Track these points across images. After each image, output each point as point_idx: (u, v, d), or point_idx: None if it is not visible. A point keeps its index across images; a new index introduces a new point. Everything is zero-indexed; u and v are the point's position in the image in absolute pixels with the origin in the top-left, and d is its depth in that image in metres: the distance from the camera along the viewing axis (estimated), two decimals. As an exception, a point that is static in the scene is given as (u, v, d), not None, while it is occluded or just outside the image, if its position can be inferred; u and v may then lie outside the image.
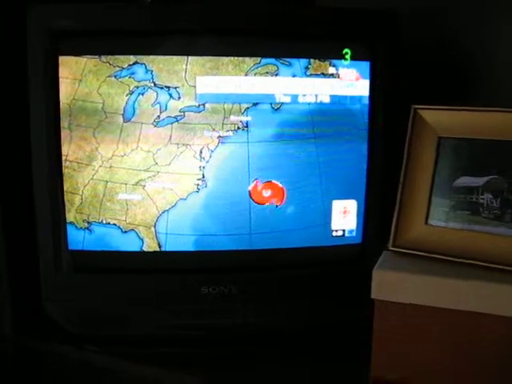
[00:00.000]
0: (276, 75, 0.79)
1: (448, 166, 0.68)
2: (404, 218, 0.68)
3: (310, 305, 0.85)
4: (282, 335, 0.84)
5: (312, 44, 0.80)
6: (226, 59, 0.77)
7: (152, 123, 0.77)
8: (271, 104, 0.79)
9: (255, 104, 0.79)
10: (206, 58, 0.77)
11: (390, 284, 0.64)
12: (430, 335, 0.64)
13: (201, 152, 0.79)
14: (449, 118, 0.68)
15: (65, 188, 0.79)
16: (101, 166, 0.78)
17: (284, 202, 0.81)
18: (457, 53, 0.91)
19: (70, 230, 0.80)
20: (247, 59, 0.78)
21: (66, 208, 0.79)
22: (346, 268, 0.84)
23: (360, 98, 0.82)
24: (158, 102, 0.77)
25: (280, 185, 0.81)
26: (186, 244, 0.81)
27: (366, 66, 0.81)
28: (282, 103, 0.79)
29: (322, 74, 0.80)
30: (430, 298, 0.63)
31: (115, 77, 0.76)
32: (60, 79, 0.76)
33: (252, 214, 0.81)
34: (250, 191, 0.80)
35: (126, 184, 0.79)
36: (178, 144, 0.78)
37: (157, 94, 0.77)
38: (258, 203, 0.81)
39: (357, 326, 0.75)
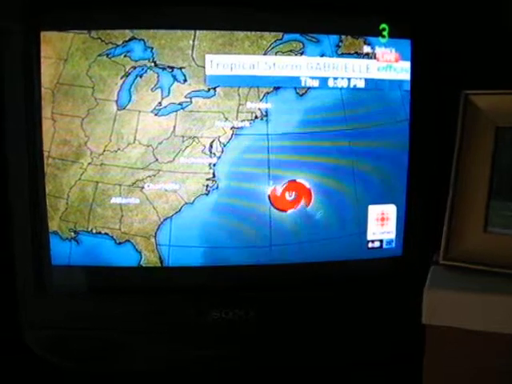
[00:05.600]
0: (301, 54, 0.75)
1: (509, 161, 0.65)
2: (457, 226, 0.65)
3: (342, 332, 0.79)
4: (309, 371, 0.80)
5: (344, 17, 0.76)
6: (241, 34, 0.73)
7: (152, 111, 0.74)
8: (295, 89, 0.75)
9: (276, 88, 0.75)
10: (217, 32, 0.73)
11: (447, 306, 0.60)
12: (497, 368, 0.59)
13: (211, 146, 0.75)
14: (508, 104, 0.65)
15: (47, 191, 0.74)
16: (90, 163, 0.74)
17: (310, 207, 0.77)
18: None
19: (53, 241, 0.75)
20: (267, 34, 0.74)
21: (49, 215, 0.74)
22: (383, 286, 0.79)
23: (400, 82, 0.77)
24: (160, 86, 0.73)
25: (307, 185, 0.76)
26: (192, 258, 0.77)
27: (406, 44, 0.77)
28: (309, 88, 0.75)
29: (356, 53, 0.76)
30: (497, 323, 0.58)
31: (108, 56, 0.72)
32: (42, 59, 0.72)
33: (273, 221, 0.76)
34: (270, 194, 0.76)
35: (120, 185, 0.75)
36: (183, 137, 0.74)
37: (158, 75, 0.73)
38: (280, 209, 0.76)
39: (400, 357, 0.75)
